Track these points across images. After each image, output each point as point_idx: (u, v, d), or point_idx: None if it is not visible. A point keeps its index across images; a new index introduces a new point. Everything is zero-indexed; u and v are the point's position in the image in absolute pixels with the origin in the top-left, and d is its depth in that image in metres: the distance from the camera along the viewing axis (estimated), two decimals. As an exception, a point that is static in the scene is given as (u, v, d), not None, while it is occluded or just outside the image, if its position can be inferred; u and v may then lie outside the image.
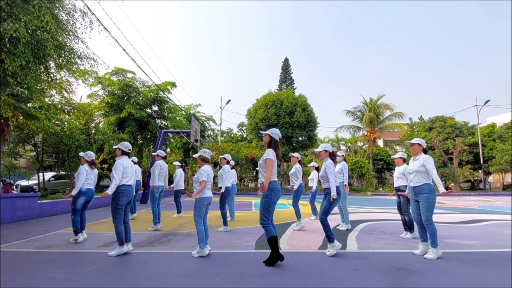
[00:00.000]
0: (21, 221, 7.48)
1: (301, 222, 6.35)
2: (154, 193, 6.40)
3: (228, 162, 6.72)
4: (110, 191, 4.05)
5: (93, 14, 8.03)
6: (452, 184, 26.87)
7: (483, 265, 3.64)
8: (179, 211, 8.44)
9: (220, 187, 6.25)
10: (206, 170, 4.18)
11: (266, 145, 3.88)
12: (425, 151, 4.33)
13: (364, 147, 32.78)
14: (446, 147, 27.82)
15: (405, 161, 5.65)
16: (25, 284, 2.96)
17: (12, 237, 5.38)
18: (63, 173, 14.97)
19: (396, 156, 5.70)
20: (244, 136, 37.89)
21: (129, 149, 4.50)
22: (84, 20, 7.81)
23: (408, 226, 5.39)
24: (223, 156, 6.75)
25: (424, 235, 4.18)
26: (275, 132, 3.87)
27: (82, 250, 4.43)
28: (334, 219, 7.68)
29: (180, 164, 8.79)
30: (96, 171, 5.36)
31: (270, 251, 3.64)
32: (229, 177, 6.41)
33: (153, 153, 6.76)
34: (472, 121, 30.87)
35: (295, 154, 6.73)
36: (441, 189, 4.03)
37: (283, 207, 10.91)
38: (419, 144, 4.31)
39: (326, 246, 4.59)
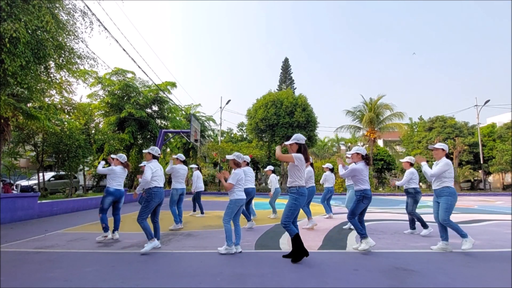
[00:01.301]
0: (21, 221, 7.48)
1: (313, 220, 6.36)
2: (173, 195, 6.55)
3: (247, 164, 6.69)
4: (137, 190, 4.51)
5: (93, 14, 8.02)
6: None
7: (483, 265, 3.64)
8: (202, 212, 8.68)
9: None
10: (237, 174, 4.28)
11: (293, 152, 3.93)
12: (447, 156, 4.44)
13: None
14: (446, 147, 27.79)
15: (412, 165, 5.78)
16: (25, 284, 2.96)
17: (12, 237, 5.38)
18: (63, 173, 14.98)
19: (403, 160, 5.86)
20: (244, 136, 37.87)
21: (159, 154, 4.72)
22: (84, 20, 7.81)
23: (421, 224, 5.58)
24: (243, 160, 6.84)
25: (444, 234, 4.33)
26: (301, 138, 3.93)
27: (82, 250, 4.43)
28: (337, 218, 7.68)
29: (197, 166, 9.02)
30: (126, 172, 5.50)
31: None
32: (248, 178, 6.36)
33: (173, 156, 6.79)
34: (472, 121, 30.86)
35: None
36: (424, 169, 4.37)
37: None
38: (443, 150, 4.45)
39: (327, 246, 4.60)
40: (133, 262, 3.74)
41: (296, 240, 3.69)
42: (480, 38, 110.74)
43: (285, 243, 4.85)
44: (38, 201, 8.36)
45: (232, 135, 39.57)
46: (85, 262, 3.75)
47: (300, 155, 3.81)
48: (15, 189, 12.68)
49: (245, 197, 4.34)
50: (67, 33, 7.44)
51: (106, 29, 8.91)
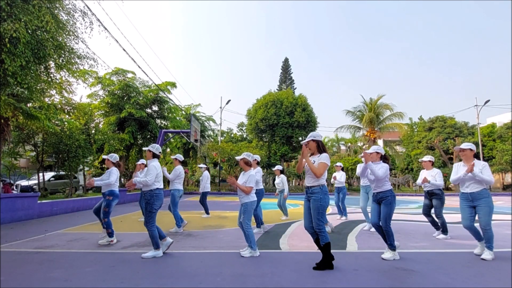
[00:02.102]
0: (21, 221, 7.48)
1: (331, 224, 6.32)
2: (175, 197, 6.34)
3: (258, 163, 6.40)
4: (139, 182, 4.02)
5: (93, 14, 8.02)
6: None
7: (483, 265, 3.64)
8: (207, 212, 8.52)
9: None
10: (253, 175, 4.13)
11: (315, 150, 3.69)
12: (476, 156, 4.22)
13: (364, 147, 32.74)
14: (446, 147, 27.80)
15: (433, 164, 5.58)
16: (25, 284, 2.96)
17: (12, 237, 5.38)
18: (63, 173, 14.97)
19: (425, 159, 5.57)
20: (244, 136, 37.86)
21: (160, 152, 4.42)
22: (84, 20, 7.80)
23: (442, 229, 5.39)
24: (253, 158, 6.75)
25: (478, 236, 4.14)
26: (318, 135, 3.71)
27: (82, 250, 4.43)
28: (337, 219, 7.68)
29: (205, 166, 8.80)
30: (118, 172, 5.30)
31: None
32: (259, 179, 6.37)
33: (172, 157, 6.64)
34: (472, 121, 30.84)
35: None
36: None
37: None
38: (471, 150, 4.20)
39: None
40: (133, 262, 3.74)
41: (327, 249, 3.49)
42: (480, 38, 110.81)
43: (285, 243, 4.86)
44: (38, 201, 8.36)
45: (232, 135, 39.56)
46: (85, 262, 3.75)
47: (327, 155, 3.59)
48: (15, 189, 12.69)
49: (256, 198, 4.24)
50: (67, 33, 7.44)
51: (106, 29, 8.91)
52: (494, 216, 8.48)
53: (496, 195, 21.77)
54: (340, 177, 7.64)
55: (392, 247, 3.91)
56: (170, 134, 17.65)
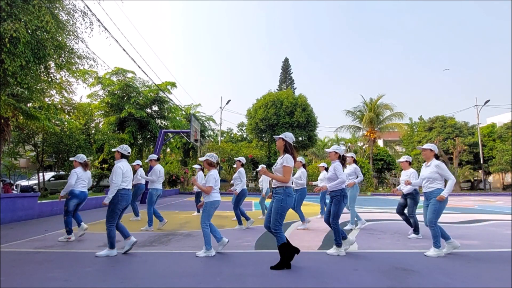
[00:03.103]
0: (21, 221, 7.47)
1: (306, 223, 6.39)
2: (152, 196, 6.36)
3: (242, 165, 6.80)
4: (109, 195, 3.98)
5: (93, 14, 8.02)
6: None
7: (483, 265, 3.64)
8: (198, 211, 8.63)
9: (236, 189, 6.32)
10: (214, 176, 4.19)
11: (281, 150, 3.69)
12: (436, 157, 4.29)
13: (364, 147, 32.75)
14: (446, 147, 27.80)
15: (410, 164, 5.60)
16: (25, 284, 2.96)
17: (12, 237, 5.38)
18: (63, 173, 14.99)
19: (402, 159, 5.60)
20: (244, 136, 37.88)
21: (128, 152, 4.43)
22: (84, 20, 7.81)
23: (414, 228, 5.37)
24: (238, 159, 6.84)
25: (444, 234, 4.18)
26: (289, 136, 3.73)
27: (82, 250, 4.43)
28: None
29: (200, 166, 8.81)
30: (89, 173, 5.40)
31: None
32: (244, 180, 6.51)
33: (149, 158, 6.73)
34: (472, 121, 30.87)
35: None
36: (445, 193, 4.02)
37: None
38: (431, 150, 4.28)
39: (327, 246, 4.59)
40: (133, 262, 3.74)
41: (283, 249, 3.44)
42: (480, 38, 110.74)
43: (285, 243, 4.85)
44: (38, 201, 8.35)
45: (232, 135, 39.59)
46: (85, 262, 3.75)
47: (290, 156, 3.58)
48: (15, 189, 12.70)
49: (220, 198, 4.23)
50: (67, 33, 7.45)
51: (106, 29, 8.91)
52: (494, 216, 8.55)
53: (496, 195, 21.78)
54: (323, 177, 7.65)
55: (337, 244, 4.09)
56: (170, 134, 17.65)
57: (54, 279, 3.09)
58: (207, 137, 29.66)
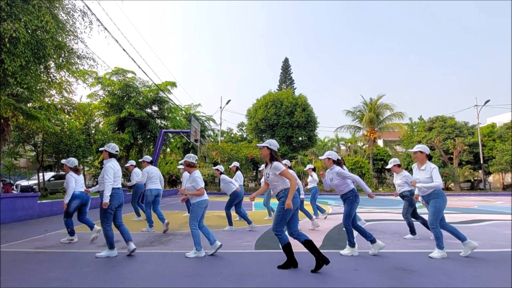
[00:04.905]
0: (21, 221, 7.47)
1: (315, 222, 6.42)
2: (147, 197, 6.35)
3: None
4: (107, 194, 3.92)
5: (93, 14, 8.02)
6: (452, 184, 26.87)
7: (483, 265, 3.64)
8: (189, 212, 8.55)
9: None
10: (199, 176, 4.19)
11: (267, 159, 3.64)
12: (429, 158, 4.15)
13: (364, 147, 32.78)
14: (446, 147, 27.80)
15: (400, 166, 5.48)
16: (25, 284, 2.96)
17: (12, 237, 5.38)
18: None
19: (390, 165, 5.41)
20: (244, 136, 37.88)
21: (117, 151, 4.33)
22: (84, 20, 7.81)
23: (410, 229, 5.35)
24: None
25: (458, 236, 4.09)
26: (274, 144, 3.67)
27: (82, 250, 4.43)
28: (337, 219, 7.68)
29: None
30: (81, 176, 5.39)
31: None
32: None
33: (142, 159, 6.74)
34: (472, 121, 30.85)
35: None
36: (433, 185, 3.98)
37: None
38: (421, 152, 4.11)
39: (327, 246, 4.60)
40: (133, 262, 3.74)
41: (287, 250, 3.47)
42: (480, 38, 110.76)
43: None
44: (38, 201, 8.35)
45: (232, 135, 39.57)
46: (85, 262, 3.75)
47: (278, 162, 3.54)
48: (15, 189, 12.70)
49: (207, 197, 4.22)
50: (66, 33, 7.45)
51: (106, 29, 8.91)
52: (494, 216, 8.55)
53: (496, 195, 21.78)
54: (312, 178, 7.82)
55: (351, 244, 4.07)
56: (170, 134, 17.64)
57: (55, 279, 3.10)
58: (207, 137, 29.65)
